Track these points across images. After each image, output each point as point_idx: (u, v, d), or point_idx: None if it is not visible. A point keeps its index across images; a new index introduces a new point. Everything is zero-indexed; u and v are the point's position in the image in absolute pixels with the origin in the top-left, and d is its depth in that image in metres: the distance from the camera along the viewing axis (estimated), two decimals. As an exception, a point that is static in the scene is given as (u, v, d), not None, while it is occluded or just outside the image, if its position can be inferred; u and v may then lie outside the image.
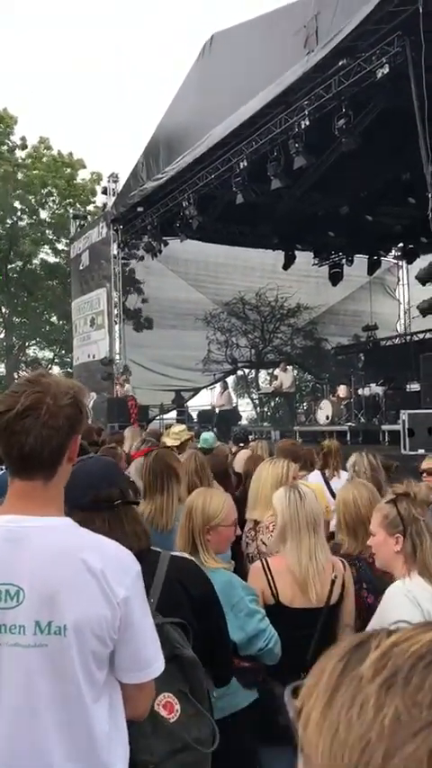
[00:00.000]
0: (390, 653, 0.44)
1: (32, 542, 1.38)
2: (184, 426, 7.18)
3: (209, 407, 17.46)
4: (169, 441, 5.93)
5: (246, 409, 25.31)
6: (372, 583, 2.80)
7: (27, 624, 1.34)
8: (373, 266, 19.03)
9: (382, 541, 2.31)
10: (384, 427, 11.53)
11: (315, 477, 4.95)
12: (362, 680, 0.43)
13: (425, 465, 4.84)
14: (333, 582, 2.65)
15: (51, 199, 28.00)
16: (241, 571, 3.42)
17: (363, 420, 12.78)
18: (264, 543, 3.27)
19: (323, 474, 5.12)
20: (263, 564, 2.69)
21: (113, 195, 17.02)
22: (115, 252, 17.08)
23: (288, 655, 2.48)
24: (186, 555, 2.23)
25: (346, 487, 3.10)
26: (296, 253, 18.19)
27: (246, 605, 2.39)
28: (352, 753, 0.41)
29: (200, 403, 19.84)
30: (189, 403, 19.62)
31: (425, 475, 4.82)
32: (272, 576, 2.63)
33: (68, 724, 1.36)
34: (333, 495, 4.73)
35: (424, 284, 9.41)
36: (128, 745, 1.46)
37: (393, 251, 19.72)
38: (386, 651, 0.45)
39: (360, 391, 13.30)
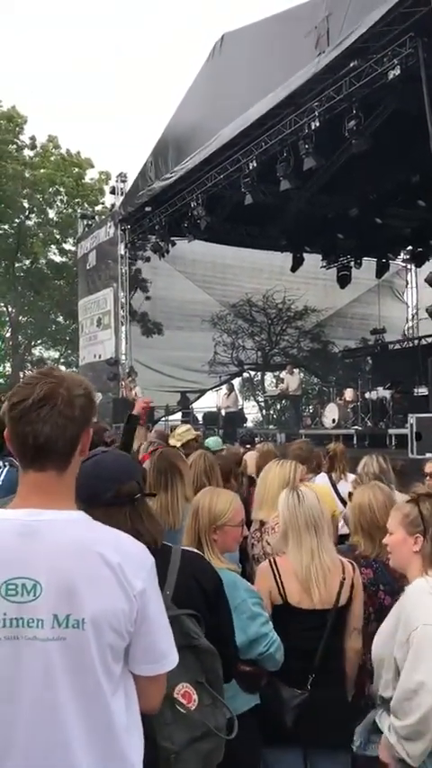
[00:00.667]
0: None
1: (48, 536, 1.38)
2: (188, 426, 7.13)
3: (214, 409, 17.41)
4: (173, 441, 5.89)
5: (251, 412, 25.27)
6: (389, 584, 2.77)
7: (45, 618, 1.34)
8: (381, 269, 18.95)
9: (400, 540, 2.27)
10: (391, 431, 11.45)
11: (322, 479, 4.90)
12: None
13: (429, 468, 4.80)
14: (342, 584, 2.62)
15: (59, 198, 28.04)
16: (247, 572, 3.38)
17: (369, 424, 12.70)
18: (268, 544, 3.25)
19: (330, 477, 5.07)
20: (271, 564, 2.66)
21: (122, 195, 17.02)
22: (123, 252, 17.07)
23: (295, 657, 2.44)
24: (194, 550, 2.22)
25: (361, 491, 3.06)
26: (304, 255, 18.12)
27: (248, 608, 2.35)
28: None
29: (205, 405, 19.82)
30: (194, 404, 19.59)
31: (428, 478, 4.77)
32: (280, 576, 2.61)
33: (87, 717, 1.36)
34: (340, 498, 4.68)
35: (433, 287, 9.33)
36: (143, 736, 1.47)
37: (402, 254, 19.63)
38: None
39: (367, 395, 13.22)
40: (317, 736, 2.52)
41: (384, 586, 2.78)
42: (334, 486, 4.97)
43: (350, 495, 3.85)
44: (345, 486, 4.91)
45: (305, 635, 2.51)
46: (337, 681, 2.63)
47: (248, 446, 7.86)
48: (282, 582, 2.60)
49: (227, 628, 2.08)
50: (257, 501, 3.47)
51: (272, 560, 2.69)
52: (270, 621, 2.40)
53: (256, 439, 11.93)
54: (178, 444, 5.37)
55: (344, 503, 4.60)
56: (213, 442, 6.82)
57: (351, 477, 4.88)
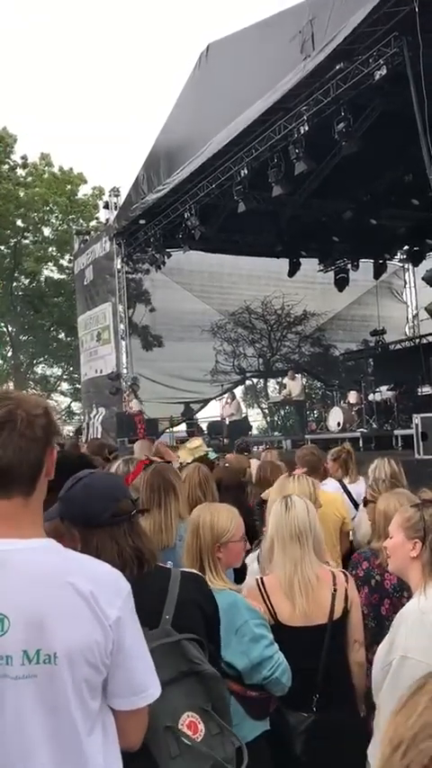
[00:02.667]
0: None
1: (15, 567, 1.30)
2: (200, 442, 7.03)
3: (218, 419, 17.34)
4: (183, 454, 5.81)
5: (256, 419, 25.18)
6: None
7: (14, 654, 1.26)
8: (379, 270, 18.91)
9: (399, 544, 2.21)
10: (397, 432, 11.36)
11: (331, 485, 4.81)
12: None
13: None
14: (333, 596, 2.53)
15: (54, 216, 28.13)
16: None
17: (375, 426, 12.61)
18: None
19: (341, 481, 4.98)
20: (258, 583, 2.59)
21: (115, 209, 17.03)
22: (119, 266, 17.06)
23: (297, 678, 2.32)
24: (194, 571, 2.14)
25: (386, 498, 2.99)
26: (301, 260, 18.10)
27: (250, 629, 2.23)
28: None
29: (209, 414, 19.76)
30: (198, 415, 19.52)
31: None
32: (267, 595, 2.53)
33: (62, 761, 1.27)
34: (354, 501, 4.60)
35: (430, 285, 9.26)
36: None
37: (399, 254, 19.59)
38: None
39: (371, 397, 13.14)
40: (329, 760, 2.39)
41: (409, 592, 2.70)
42: (347, 490, 4.89)
43: (365, 500, 3.77)
44: (356, 489, 4.83)
45: (303, 654, 2.41)
46: (345, 700, 2.52)
47: (246, 454, 7.79)
48: (270, 600, 2.52)
49: (216, 654, 1.99)
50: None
51: (258, 579, 2.61)
52: (275, 643, 2.28)
53: (260, 447, 11.86)
54: (189, 459, 5.27)
55: (356, 506, 4.52)
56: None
57: (362, 479, 4.80)
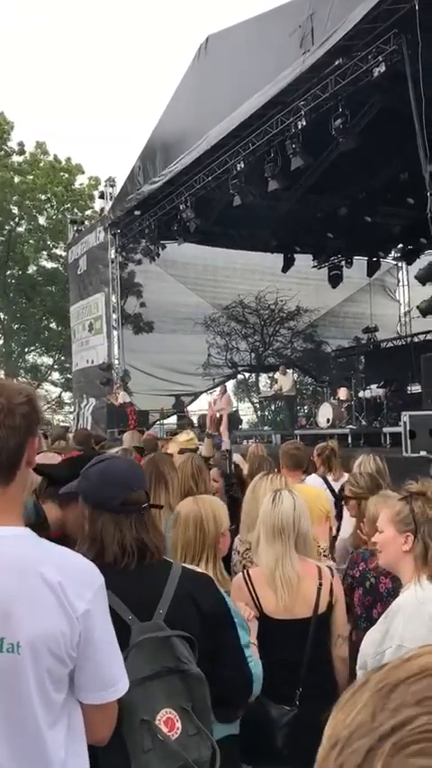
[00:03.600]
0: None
1: None
2: (192, 435, 7.02)
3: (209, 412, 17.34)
4: (173, 447, 5.80)
5: (247, 413, 25.20)
6: None
7: None
8: (372, 268, 18.93)
9: (390, 539, 2.19)
10: (386, 429, 11.40)
11: (313, 480, 4.83)
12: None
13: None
14: (319, 590, 2.55)
15: (49, 204, 27.96)
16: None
17: (364, 422, 12.65)
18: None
19: (324, 477, 5.01)
20: (244, 576, 2.60)
21: (110, 199, 16.96)
22: (113, 256, 17.01)
23: (280, 670, 2.33)
24: (199, 569, 2.13)
25: (375, 501, 2.99)
26: (295, 255, 18.09)
27: None
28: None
29: (200, 407, 19.75)
30: (189, 407, 19.52)
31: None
32: (253, 587, 2.54)
33: (21, 753, 1.25)
34: (336, 497, 4.62)
35: (423, 284, 9.32)
36: None
37: (393, 252, 19.62)
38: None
39: (361, 394, 13.18)
40: (308, 755, 2.40)
41: None
42: (329, 485, 4.91)
43: (343, 495, 3.78)
44: (339, 485, 4.85)
45: (288, 646, 2.41)
46: (327, 694, 2.53)
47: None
48: (256, 592, 2.53)
49: (234, 652, 1.95)
50: (248, 519, 3.21)
51: (245, 572, 2.63)
52: (250, 647, 2.19)
53: (249, 441, 11.89)
54: (175, 451, 5.27)
55: (338, 501, 4.54)
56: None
57: (346, 476, 4.81)
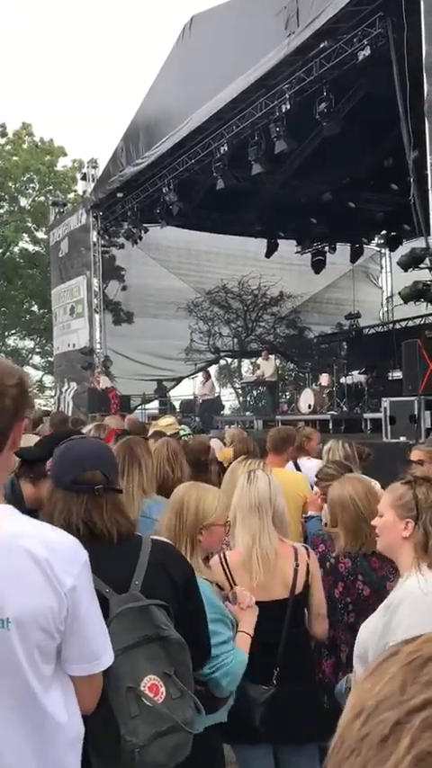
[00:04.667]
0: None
1: None
2: (173, 420, 7.03)
3: (191, 397, 17.34)
4: (154, 430, 5.79)
5: (229, 399, 25.22)
6: (368, 575, 2.72)
7: None
8: (355, 254, 18.95)
9: (390, 523, 2.10)
10: (366, 415, 11.48)
11: (291, 465, 4.85)
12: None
13: (415, 456, 4.74)
14: (296, 571, 2.55)
15: (31, 186, 27.58)
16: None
17: (345, 408, 12.73)
18: None
19: (295, 461, 5.01)
20: (220, 557, 2.60)
21: (93, 181, 16.75)
22: (95, 239, 16.84)
23: (258, 651, 2.35)
24: (166, 540, 2.14)
25: (339, 485, 2.93)
26: (279, 240, 18.05)
27: None
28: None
29: (182, 392, 19.73)
30: (171, 392, 19.48)
31: (414, 466, 4.72)
32: (229, 570, 2.54)
33: (18, 717, 1.30)
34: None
35: (405, 270, 9.30)
36: (82, 736, 1.42)
37: (376, 238, 19.65)
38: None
39: (342, 380, 13.25)
40: (285, 731, 2.47)
41: (364, 577, 2.72)
42: (297, 465, 4.94)
43: (318, 479, 3.78)
44: (308, 464, 4.88)
45: (265, 627, 2.42)
46: (304, 674, 2.57)
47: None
48: (232, 575, 2.53)
49: (198, 618, 2.02)
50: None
51: (221, 555, 2.62)
52: (229, 643, 2.19)
53: (232, 426, 11.91)
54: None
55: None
56: (182, 430, 6.74)
57: (315, 461, 4.80)
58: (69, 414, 14.46)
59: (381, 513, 2.17)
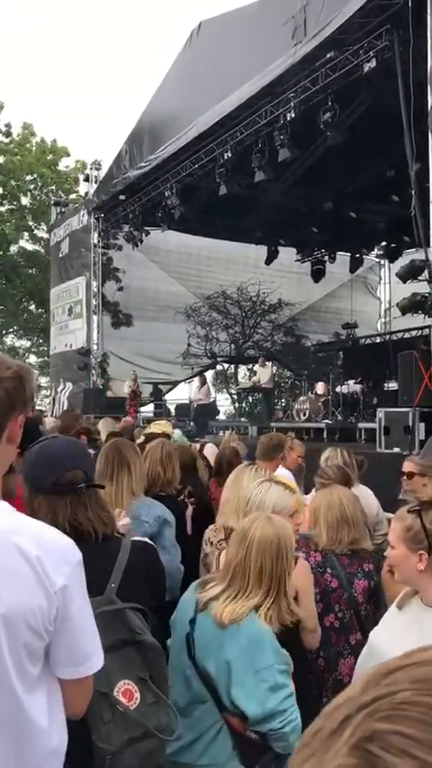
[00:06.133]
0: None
1: None
2: (164, 422, 7.04)
3: (186, 401, 17.32)
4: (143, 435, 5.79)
5: (224, 404, 25.21)
6: (336, 570, 2.73)
7: None
8: (355, 264, 19.00)
9: (402, 556, 1.98)
10: (361, 425, 11.48)
11: (282, 471, 4.84)
12: None
13: (407, 467, 4.73)
14: None
15: (34, 185, 27.60)
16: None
17: (340, 417, 12.74)
18: None
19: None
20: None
21: (95, 183, 16.78)
22: (96, 240, 16.86)
23: None
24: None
25: (328, 491, 2.96)
26: (279, 248, 18.10)
27: (273, 677, 1.96)
28: None
29: (178, 396, 19.71)
30: (167, 396, 19.47)
31: (405, 478, 4.72)
32: None
33: (2, 719, 1.26)
34: None
35: (404, 282, 9.33)
36: (65, 747, 1.37)
37: (376, 249, 19.71)
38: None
39: (338, 389, 13.27)
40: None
41: (332, 570, 2.73)
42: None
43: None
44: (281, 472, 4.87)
45: None
46: (305, 693, 2.38)
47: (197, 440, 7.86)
48: None
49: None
50: (229, 506, 3.13)
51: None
52: (293, 696, 2.01)
53: (227, 432, 11.91)
54: (142, 438, 5.26)
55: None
56: (175, 436, 6.71)
57: (286, 472, 4.75)
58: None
59: (392, 545, 2.05)
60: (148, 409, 18.53)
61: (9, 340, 31.12)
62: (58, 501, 1.76)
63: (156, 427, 5.89)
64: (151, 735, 1.65)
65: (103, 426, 7.46)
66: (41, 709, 1.31)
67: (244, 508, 2.88)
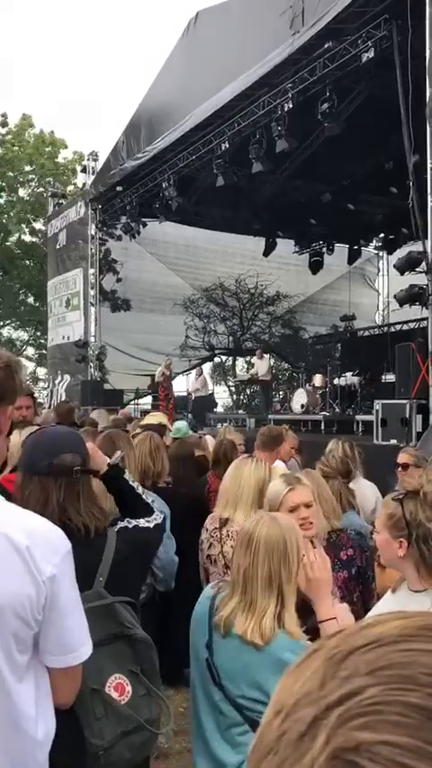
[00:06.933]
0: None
1: None
2: (160, 414, 7.02)
3: (184, 393, 17.32)
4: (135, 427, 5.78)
5: (222, 396, 25.22)
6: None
7: None
8: (353, 256, 18.97)
9: (385, 542, 2.05)
10: (358, 417, 11.50)
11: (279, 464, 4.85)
12: None
13: (402, 459, 4.74)
14: None
15: (31, 177, 27.48)
16: (196, 569, 3.27)
17: (337, 410, 12.75)
18: (232, 548, 3.06)
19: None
20: None
21: (93, 174, 16.70)
22: (93, 232, 16.79)
23: None
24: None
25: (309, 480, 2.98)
26: (277, 240, 18.05)
27: None
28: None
29: (176, 389, 19.68)
30: (165, 388, 19.44)
31: (400, 469, 4.74)
32: None
33: None
34: None
35: (402, 274, 9.31)
36: (52, 736, 1.37)
37: (374, 241, 19.67)
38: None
39: (336, 381, 13.27)
40: None
41: None
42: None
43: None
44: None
45: None
46: None
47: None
48: None
49: None
50: (227, 497, 3.10)
51: None
52: None
53: (224, 424, 11.92)
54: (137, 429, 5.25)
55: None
56: (181, 426, 6.69)
57: (281, 464, 4.76)
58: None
59: (377, 530, 2.13)
60: (146, 401, 18.53)
61: (6, 332, 31.08)
62: (51, 484, 1.73)
63: (152, 418, 5.89)
64: (142, 728, 1.65)
65: (98, 418, 7.46)
66: (29, 699, 1.31)
67: (249, 501, 2.89)
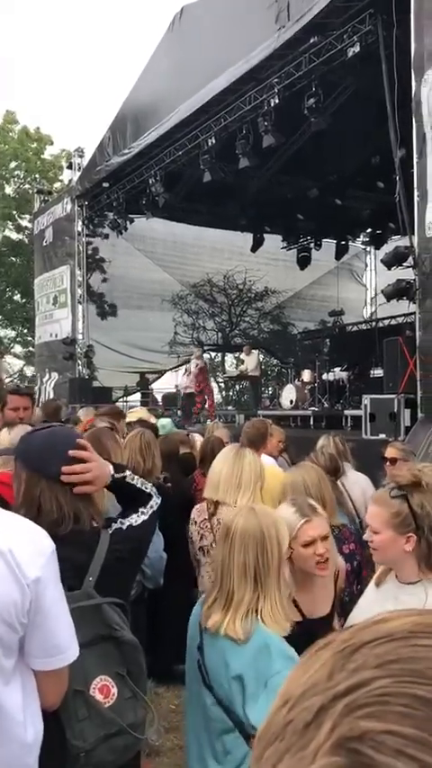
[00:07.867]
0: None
1: None
2: (139, 409, 7.01)
3: (173, 390, 17.29)
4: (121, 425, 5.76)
5: (211, 392, 25.17)
6: None
7: None
8: (341, 251, 19.00)
9: (388, 541, 2.00)
10: (347, 412, 11.52)
11: (267, 459, 4.85)
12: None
13: (390, 453, 4.75)
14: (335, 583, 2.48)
15: (16, 173, 27.29)
16: (185, 566, 3.25)
17: (326, 405, 12.77)
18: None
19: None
20: None
21: (79, 170, 16.60)
22: (80, 229, 16.71)
23: None
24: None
25: (294, 470, 2.99)
26: (265, 235, 18.03)
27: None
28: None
29: (165, 385, 19.67)
30: (153, 385, 19.42)
31: (388, 464, 4.75)
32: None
33: None
34: None
35: (389, 268, 9.33)
36: (40, 741, 1.36)
37: (362, 236, 19.71)
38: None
39: (324, 376, 13.29)
40: None
41: None
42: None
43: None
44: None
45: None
46: None
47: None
48: (296, 597, 2.39)
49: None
50: (219, 480, 3.02)
51: None
52: None
53: (215, 421, 11.90)
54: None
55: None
56: (165, 423, 6.68)
57: (270, 459, 4.77)
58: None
59: (376, 530, 2.05)
60: (135, 398, 18.49)
61: (-7, 330, 30.90)
62: (60, 489, 1.74)
63: (132, 415, 5.88)
64: (125, 732, 1.63)
65: (84, 416, 7.42)
66: (16, 703, 1.30)
67: (252, 487, 2.86)
